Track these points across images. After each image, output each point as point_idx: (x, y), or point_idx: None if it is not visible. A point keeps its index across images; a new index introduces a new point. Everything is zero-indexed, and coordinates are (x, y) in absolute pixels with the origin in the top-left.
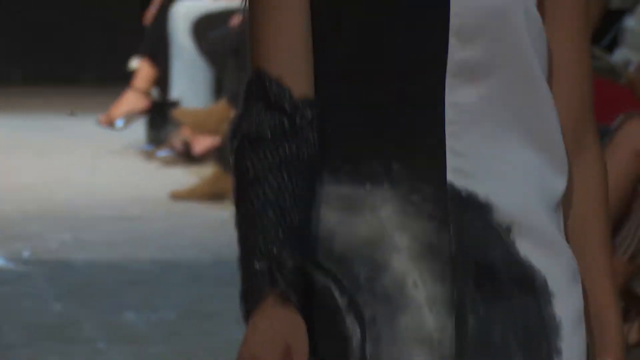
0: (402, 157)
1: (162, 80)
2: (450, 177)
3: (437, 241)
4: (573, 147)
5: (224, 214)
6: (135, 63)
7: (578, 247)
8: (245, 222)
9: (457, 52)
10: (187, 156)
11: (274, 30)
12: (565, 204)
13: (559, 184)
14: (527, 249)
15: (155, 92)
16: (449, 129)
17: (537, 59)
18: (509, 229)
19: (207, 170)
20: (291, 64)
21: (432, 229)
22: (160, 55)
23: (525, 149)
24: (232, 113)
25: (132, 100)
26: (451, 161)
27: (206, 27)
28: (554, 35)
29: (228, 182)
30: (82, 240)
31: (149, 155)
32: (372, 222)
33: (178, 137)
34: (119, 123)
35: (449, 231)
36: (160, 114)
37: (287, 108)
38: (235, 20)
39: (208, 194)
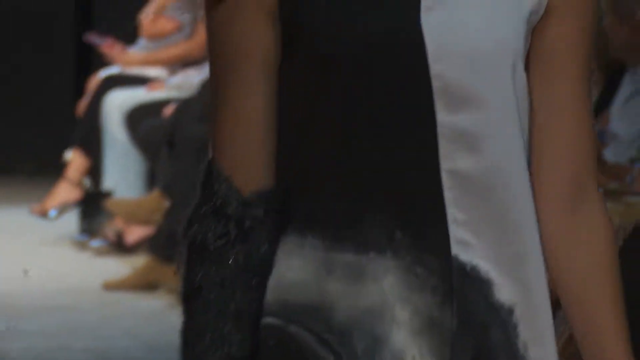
0: (405, 226)
1: (95, 171)
2: (455, 249)
3: (439, 316)
4: (572, 203)
5: (156, 303)
6: (69, 154)
7: (585, 308)
8: (186, 334)
9: (444, 115)
10: (120, 246)
11: (231, 120)
12: (566, 259)
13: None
14: (526, 336)
15: (88, 182)
16: (448, 196)
17: (520, 122)
18: (511, 311)
19: (140, 260)
20: (247, 157)
21: (435, 303)
22: (93, 145)
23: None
24: (164, 203)
25: (65, 190)
26: (454, 231)
27: (140, 118)
28: (551, 86)
29: (161, 272)
30: (16, 330)
31: (82, 245)
32: (374, 292)
33: (111, 227)
34: (52, 213)
35: (452, 306)
36: (93, 204)
37: (234, 214)
38: (169, 111)
39: (141, 284)
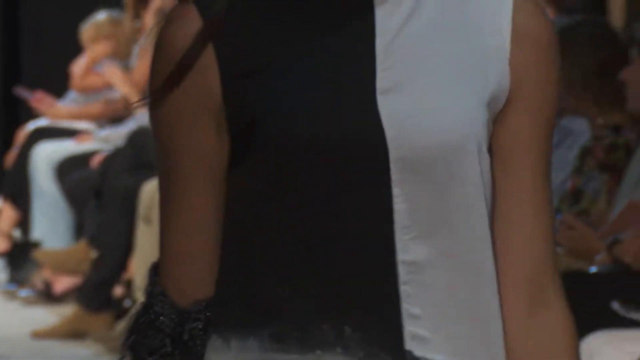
0: (355, 321)
1: (23, 222)
2: (409, 345)
3: None
4: (531, 305)
5: (84, 352)
6: None
7: None
8: None
9: (402, 204)
10: (48, 296)
11: (176, 226)
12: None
13: None
14: None
15: (16, 233)
16: (403, 290)
17: (484, 209)
18: None
19: (68, 310)
20: (190, 265)
21: None
22: (21, 196)
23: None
24: (92, 254)
25: None
26: (409, 327)
27: (68, 169)
28: (511, 177)
29: (88, 321)
30: None
31: (11, 295)
32: None
33: (39, 277)
34: None
35: None
36: (21, 254)
37: (170, 328)
38: (96, 162)
39: (69, 333)
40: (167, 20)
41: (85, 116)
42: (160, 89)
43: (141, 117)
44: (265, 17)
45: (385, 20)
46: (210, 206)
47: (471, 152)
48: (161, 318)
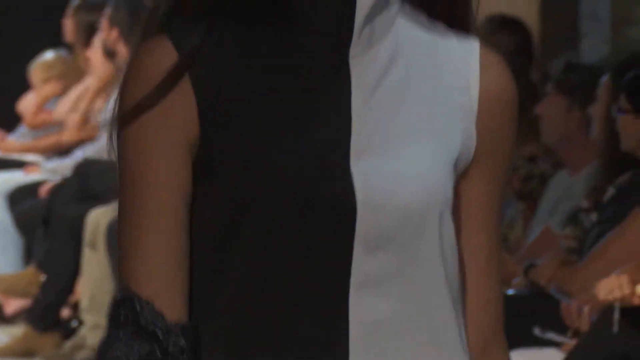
0: None
1: None
2: None
3: None
4: (479, 356)
5: None
6: None
7: None
8: None
9: (360, 262)
10: None
11: (145, 251)
12: None
13: None
14: None
15: None
16: (353, 346)
17: (445, 270)
18: None
19: (19, 330)
20: (163, 287)
21: None
22: None
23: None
24: (40, 277)
25: None
26: None
27: (18, 199)
28: (468, 236)
29: (38, 341)
30: None
31: None
32: None
33: None
34: None
35: None
36: None
37: (160, 335)
38: (44, 191)
39: (20, 352)
40: (140, 52)
41: (35, 150)
42: (130, 113)
43: (87, 149)
44: (240, 56)
45: (361, 76)
46: (181, 233)
47: (436, 214)
48: (151, 324)
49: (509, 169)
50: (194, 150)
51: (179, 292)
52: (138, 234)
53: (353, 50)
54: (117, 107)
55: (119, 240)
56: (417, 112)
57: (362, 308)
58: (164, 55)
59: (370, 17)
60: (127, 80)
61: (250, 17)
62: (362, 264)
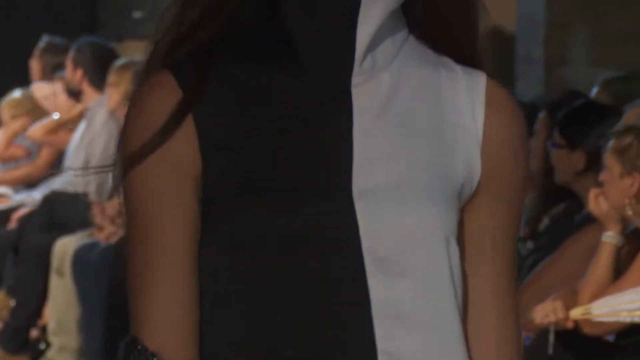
0: None
1: None
2: None
3: None
4: None
5: None
6: None
7: None
8: None
9: (378, 293)
10: None
11: (156, 299)
12: None
13: None
14: None
15: None
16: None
17: (455, 302)
18: None
19: None
20: (171, 338)
21: None
22: None
23: None
24: (10, 302)
25: None
26: None
27: None
28: (479, 267)
29: None
30: None
31: None
32: None
33: None
34: None
35: None
36: None
37: None
38: (14, 220)
39: None
40: (144, 88)
41: (4, 182)
42: (137, 155)
43: (54, 182)
44: (242, 91)
45: (364, 104)
46: (190, 275)
47: (441, 241)
48: None
49: (522, 203)
50: (200, 184)
51: (187, 343)
52: (151, 279)
53: (355, 80)
54: (120, 146)
55: (130, 279)
56: (420, 143)
57: (388, 339)
58: (168, 92)
59: (371, 47)
60: (130, 118)
61: (252, 51)
62: (378, 295)
